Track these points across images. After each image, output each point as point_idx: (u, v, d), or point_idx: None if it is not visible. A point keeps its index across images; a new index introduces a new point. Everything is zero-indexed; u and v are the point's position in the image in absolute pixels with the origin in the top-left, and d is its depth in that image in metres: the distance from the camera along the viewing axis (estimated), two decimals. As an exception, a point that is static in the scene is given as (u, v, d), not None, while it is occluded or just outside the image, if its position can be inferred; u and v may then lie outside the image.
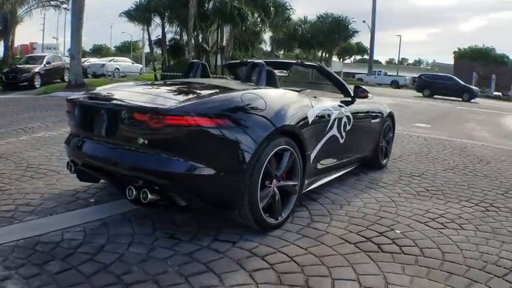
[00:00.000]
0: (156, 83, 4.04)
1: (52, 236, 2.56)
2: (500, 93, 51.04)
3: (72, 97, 3.12)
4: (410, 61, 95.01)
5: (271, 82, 3.42)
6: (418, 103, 18.45)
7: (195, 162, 2.46)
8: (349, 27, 26.94)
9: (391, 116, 5.16)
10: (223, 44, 19.37)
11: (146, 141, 2.46)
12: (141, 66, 28.72)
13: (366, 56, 27.10)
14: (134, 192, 2.44)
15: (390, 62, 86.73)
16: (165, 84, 3.62)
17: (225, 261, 2.40)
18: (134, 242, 2.55)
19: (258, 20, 18.23)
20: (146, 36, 22.47)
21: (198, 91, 2.97)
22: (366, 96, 4.28)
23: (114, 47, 71.16)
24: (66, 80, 16.09)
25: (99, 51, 58.86)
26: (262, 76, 3.37)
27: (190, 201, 2.55)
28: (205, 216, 2.94)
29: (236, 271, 2.29)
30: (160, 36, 20.56)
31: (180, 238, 2.65)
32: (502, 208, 3.71)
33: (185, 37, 20.58)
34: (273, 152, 2.73)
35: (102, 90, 3.34)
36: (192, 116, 2.41)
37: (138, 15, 20.07)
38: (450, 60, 60.81)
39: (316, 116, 3.34)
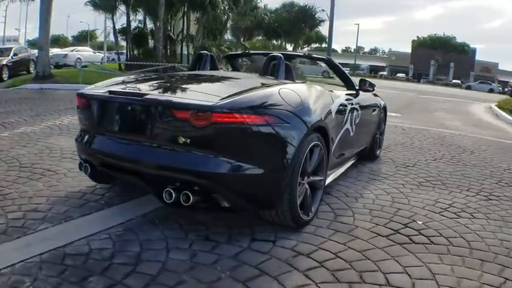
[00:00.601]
0: (175, 75, 3.76)
1: (78, 247, 2.34)
2: (459, 81, 53.88)
3: (88, 92, 2.87)
4: (366, 49, 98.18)
5: (289, 76, 3.35)
6: (377, 91, 19.06)
7: (242, 161, 2.36)
8: (316, 16, 27.69)
9: (384, 108, 5.28)
10: (190, 33, 19.01)
11: (188, 140, 2.29)
12: (102, 55, 27.75)
13: (324, 45, 27.29)
14: (174, 195, 2.29)
15: (346, 51, 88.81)
16: (188, 78, 3.38)
17: (274, 262, 2.33)
18: (171, 247, 2.40)
19: (227, 8, 18.03)
20: (110, 25, 21.97)
21: (233, 86, 2.84)
22: (373, 90, 4.31)
23: (72, 36, 69.67)
24: (32, 71, 15.38)
25: (56, 41, 56.66)
26: (281, 70, 3.29)
27: (234, 202, 2.45)
28: (228, 215, 2.79)
29: (290, 272, 2.23)
30: (125, 25, 20.15)
31: (216, 240, 2.54)
32: (501, 197, 3.86)
33: (149, 26, 20.12)
34: (309, 148, 2.68)
35: (121, 83, 3.06)
36: (241, 113, 2.30)
37: (104, 4, 19.71)
38: (408, 49, 63.04)
39: (337, 110, 3.34)
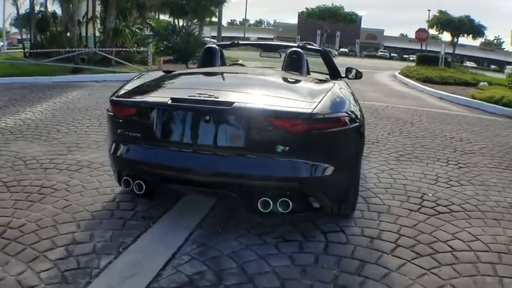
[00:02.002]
0: (215, 74, 3.39)
1: (172, 277, 2.06)
2: (346, 49, 57.93)
3: (138, 99, 2.56)
4: (252, 22, 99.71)
5: (308, 70, 3.49)
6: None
7: (334, 163, 2.41)
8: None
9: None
10: (96, 14, 17.32)
11: (287, 148, 2.27)
12: (1, 44, 24.24)
13: (214, 19, 27.20)
14: (271, 204, 2.29)
15: (232, 24, 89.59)
16: (243, 78, 3.13)
17: (360, 249, 2.45)
18: (263, 255, 2.32)
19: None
20: (14, 11, 19.18)
21: (304, 87, 2.80)
22: (360, 78, 4.35)
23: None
24: None
25: None
26: (304, 64, 3.39)
27: (324, 202, 2.50)
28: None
29: (381, 255, 2.40)
30: (28, 10, 17.66)
31: (294, 239, 2.53)
32: (469, 165, 4.36)
33: (50, 8, 17.92)
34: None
35: (185, 86, 2.84)
36: (334, 117, 2.40)
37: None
38: (294, 20, 65.36)
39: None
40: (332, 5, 50.62)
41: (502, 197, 3.48)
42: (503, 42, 75.33)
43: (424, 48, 26.96)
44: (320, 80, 3.05)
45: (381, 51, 61.04)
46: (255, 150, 2.33)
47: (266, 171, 2.31)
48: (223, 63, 3.71)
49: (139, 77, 3.08)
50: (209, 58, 3.62)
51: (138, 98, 2.62)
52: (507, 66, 35.29)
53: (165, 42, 12.35)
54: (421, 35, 23.71)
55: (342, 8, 51.41)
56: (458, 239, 2.67)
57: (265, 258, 2.30)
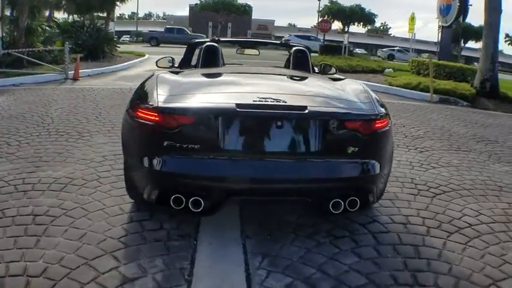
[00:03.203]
0: (261, 76, 3.24)
1: None
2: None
3: (212, 106, 2.32)
4: (141, 15, 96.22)
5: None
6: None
7: (384, 159, 2.52)
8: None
9: None
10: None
11: (356, 149, 2.34)
12: None
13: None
14: (342, 204, 2.32)
15: (120, 18, 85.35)
16: (282, 80, 3.05)
17: (408, 235, 2.60)
18: (330, 255, 2.31)
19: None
20: None
21: (341, 87, 2.79)
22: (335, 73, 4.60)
23: None
24: None
25: None
26: (310, 63, 3.47)
27: (376, 197, 2.58)
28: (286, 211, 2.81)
29: (423, 236, 2.61)
30: None
31: (343, 235, 2.55)
32: (426, 148, 4.75)
33: None
34: None
35: (233, 89, 2.63)
36: (387, 116, 2.50)
37: None
38: (184, 12, 64.26)
39: None
40: (224, -4, 50.99)
41: (473, 176, 3.90)
42: (390, 28, 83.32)
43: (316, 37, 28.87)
44: (340, 78, 3.12)
45: (273, 42, 63.02)
46: (328, 154, 2.34)
47: (340, 173, 2.36)
48: (223, 62, 3.53)
49: (152, 80, 2.73)
50: (212, 57, 3.37)
51: (196, 105, 2.34)
52: (380, 50, 38.69)
53: (73, 40, 11.21)
54: (324, 26, 25.34)
55: (235, -1, 52.11)
56: (467, 215, 2.98)
57: (335, 258, 2.30)
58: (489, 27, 9.91)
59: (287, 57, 3.73)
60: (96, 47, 13.01)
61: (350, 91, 2.70)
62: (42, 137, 4.43)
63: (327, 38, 27.97)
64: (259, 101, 2.30)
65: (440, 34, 16.87)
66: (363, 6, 40.35)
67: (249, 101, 2.31)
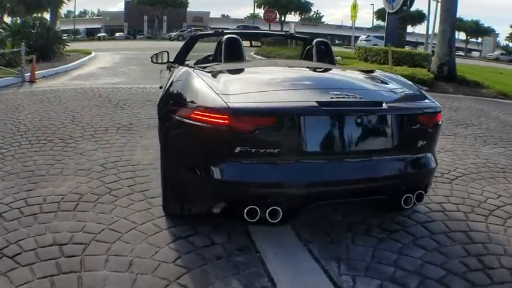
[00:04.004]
0: (307, 70, 2.93)
1: None
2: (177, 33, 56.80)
3: (293, 105, 2.03)
4: (76, 13, 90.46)
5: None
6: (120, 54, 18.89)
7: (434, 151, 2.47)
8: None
9: None
10: None
11: (424, 143, 2.26)
12: None
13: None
14: (413, 199, 2.22)
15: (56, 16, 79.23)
16: (331, 74, 2.82)
17: (472, 223, 2.60)
18: (397, 251, 2.21)
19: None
20: None
21: (390, 80, 2.62)
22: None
23: None
24: None
25: None
26: (333, 55, 3.29)
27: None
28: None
29: (474, 222, 2.62)
30: None
31: (395, 228, 2.46)
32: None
33: None
34: None
35: (294, 86, 2.34)
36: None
37: None
38: (117, 8, 61.54)
39: None
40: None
41: (472, 159, 3.97)
42: (323, 16, 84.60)
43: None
44: (371, 70, 2.95)
45: (211, 34, 61.78)
46: (403, 149, 2.22)
47: (414, 167, 2.26)
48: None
49: (193, 77, 2.37)
50: (235, 50, 3.00)
51: (275, 104, 2.02)
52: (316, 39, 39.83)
53: (25, 41, 10.09)
54: (269, 16, 25.15)
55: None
56: (489, 198, 3.01)
57: (403, 253, 2.21)
58: (446, 13, 10.04)
59: (305, 49, 3.51)
60: (46, 47, 11.93)
61: (402, 84, 2.56)
62: (24, 147, 3.81)
63: (265, 28, 27.87)
64: (337, 97, 2.08)
65: (386, 20, 17.36)
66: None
67: (326, 98, 2.08)
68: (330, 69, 2.96)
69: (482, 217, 2.70)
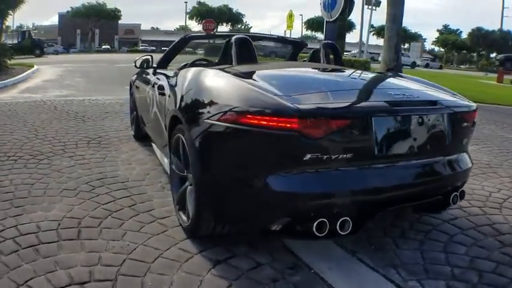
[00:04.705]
0: (339, 71, 2.75)
1: None
2: (108, 46, 54.70)
3: (365, 105, 1.88)
4: (14, 27, 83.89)
5: None
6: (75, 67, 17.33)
7: None
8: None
9: None
10: None
11: (466, 141, 2.24)
12: None
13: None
14: (458, 198, 2.17)
15: None
16: (359, 74, 2.67)
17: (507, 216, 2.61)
18: (444, 250, 2.15)
19: None
20: None
21: (416, 81, 2.57)
22: None
23: None
24: None
25: None
26: (341, 57, 3.15)
27: None
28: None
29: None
30: None
31: (423, 230, 2.37)
32: None
33: None
34: None
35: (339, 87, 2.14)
36: None
37: None
38: (49, 22, 58.18)
39: None
40: (96, 2, 46.94)
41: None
42: (251, 27, 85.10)
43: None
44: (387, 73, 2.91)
45: (142, 46, 60.25)
46: (454, 148, 2.15)
47: (462, 166, 2.19)
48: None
49: (230, 78, 2.13)
50: (247, 52, 2.73)
51: (346, 105, 1.82)
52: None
53: None
54: (209, 26, 24.83)
55: (104, 4, 48.36)
56: (492, 192, 3.09)
57: (449, 251, 2.16)
58: (392, 19, 10.14)
59: (311, 52, 3.35)
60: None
61: (428, 84, 2.52)
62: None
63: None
64: (400, 97, 1.97)
65: (324, 30, 17.79)
66: (230, 6, 40.93)
67: (390, 97, 1.95)
68: (356, 70, 2.83)
69: (496, 210, 2.74)
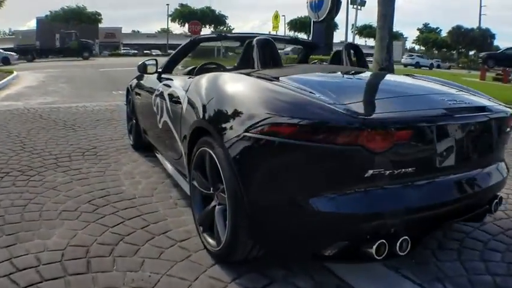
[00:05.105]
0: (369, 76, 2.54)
1: None
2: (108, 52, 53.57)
3: (426, 114, 1.66)
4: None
5: None
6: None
7: None
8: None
9: None
10: None
11: (505, 147, 2.10)
12: None
13: None
14: (499, 206, 2.00)
15: None
16: (397, 77, 2.50)
17: None
18: (483, 259, 2.03)
19: None
20: None
21: (443, 84, 2.37)
22: None
23: None
24: None
25: None
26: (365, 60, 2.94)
27: None
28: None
29: None
30: None
31: (456, 238, 2.21)
32: None
33: None
34: None
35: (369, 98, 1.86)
36: None
37: None
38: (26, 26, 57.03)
39: None
40: (76, 6, 46.03)
41: None
42: (233, 29, 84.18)
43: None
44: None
45: (124, 49, 59.33)
46: (498, 155, 2.03)
47: (503, 172, 2.04)
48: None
49: (267, 85, 1.86)
50: (271, 55, 2.44)
51: (407, 114, 1.63)
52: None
53: None
54: (194, 28, 24.37)
55: (84, 8, 47.46)
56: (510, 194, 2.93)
57: (486, 259, 2.04)
58: (384, 19, 9.97)
59: (332, 54, 3.06)
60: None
61: (462, 87, 2.31)
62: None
63: (172, 42, 26.85)
64: (454, 103, 1.79)
65: (312, 30, 17.68)
66: (213, 8, 40.64)
67: (446, 104, 1.76)
68: (390, 73, 2.61)
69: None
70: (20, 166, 3.31)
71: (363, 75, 2.48)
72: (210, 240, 1.98)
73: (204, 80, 2.25)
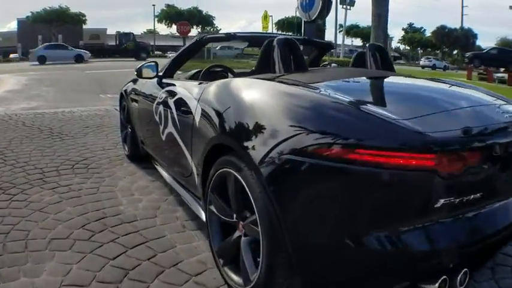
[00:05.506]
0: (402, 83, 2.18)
1: None
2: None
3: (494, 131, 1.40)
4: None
5: None
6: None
7: None
8: None
9: None
10: None
11: None
12: None
13: None
14: None
15: None
16: (439, 83, 2.19)
17: None
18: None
19: None
20: None
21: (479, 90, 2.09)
22: None
23: None
24: None
25: None
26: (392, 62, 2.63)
27: None
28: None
29: None
30: None
31: None
32: None
33: None
34: None
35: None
36: None
37: None
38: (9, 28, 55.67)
39: None
40: (59, 6, 45.02)
41: None
42: (220, 29, 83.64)
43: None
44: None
45: (111, 51, 58.45)
46: None
47: None
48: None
49: (311, 97, 1.55)
50: (296, 57, 2.11)
51: (472, 132, 1.34)
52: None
53: None
54: (183, 29, 23.85)
55: (68, 9, 46.47)
56: None
57: None
58: (378, 19, 10.03)
59: (355, 56, 2.74)
60: None
61: (494, 95, 2.02)
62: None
63: (159, 43, 26.05)
64: (510, 117, 1.53)
65: (303, 30, 17.42)
66: (200, 8, 40.19)
67: (505, 118, 1.53)
68: (423, 79, 2.33)
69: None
70: (1, 183, 2.93)
71: (403, 81, 2.19)
72: (235, 277, 1.67)
73: (224, 87, 1.93)
